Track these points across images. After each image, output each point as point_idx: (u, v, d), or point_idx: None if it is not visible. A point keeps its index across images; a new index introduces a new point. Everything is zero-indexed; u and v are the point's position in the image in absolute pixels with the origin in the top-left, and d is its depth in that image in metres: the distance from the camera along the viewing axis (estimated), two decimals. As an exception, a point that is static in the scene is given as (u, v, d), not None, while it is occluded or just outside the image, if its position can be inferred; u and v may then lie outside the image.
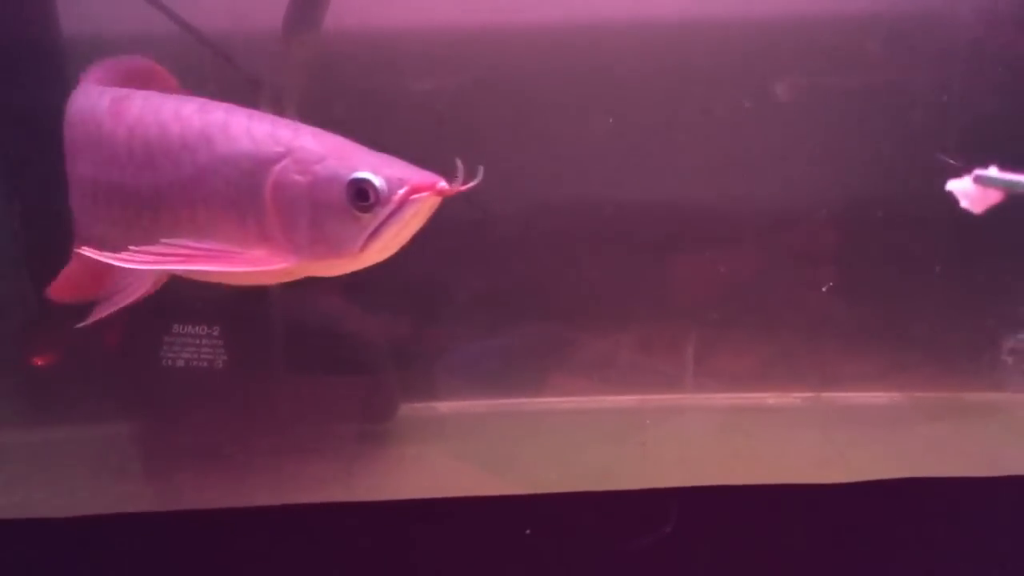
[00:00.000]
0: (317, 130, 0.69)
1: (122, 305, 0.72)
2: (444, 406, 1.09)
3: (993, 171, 0.39)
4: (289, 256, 0.66)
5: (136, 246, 0.67)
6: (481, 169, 0.65)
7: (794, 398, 1.10)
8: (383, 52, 0.98)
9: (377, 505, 0.84)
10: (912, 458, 0.96)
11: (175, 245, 0.66)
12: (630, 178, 1.05)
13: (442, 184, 0.64)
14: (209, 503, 0.86)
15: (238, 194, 0.66)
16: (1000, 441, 1.02)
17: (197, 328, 0.98)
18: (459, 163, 0.65)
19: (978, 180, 0.39)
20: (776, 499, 0.81)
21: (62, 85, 0.79)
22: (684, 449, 1.00)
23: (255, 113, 0.70)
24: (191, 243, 0.67)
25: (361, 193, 0.64)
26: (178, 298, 1.00)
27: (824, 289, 0.98)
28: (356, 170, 0.64)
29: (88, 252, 0.67)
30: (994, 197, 0.39)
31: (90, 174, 0.73)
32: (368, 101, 0.98)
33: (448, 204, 1.08)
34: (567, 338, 1.09)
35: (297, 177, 0.65)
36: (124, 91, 0.74)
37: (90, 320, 0.74)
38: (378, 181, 0.64)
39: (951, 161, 0.99)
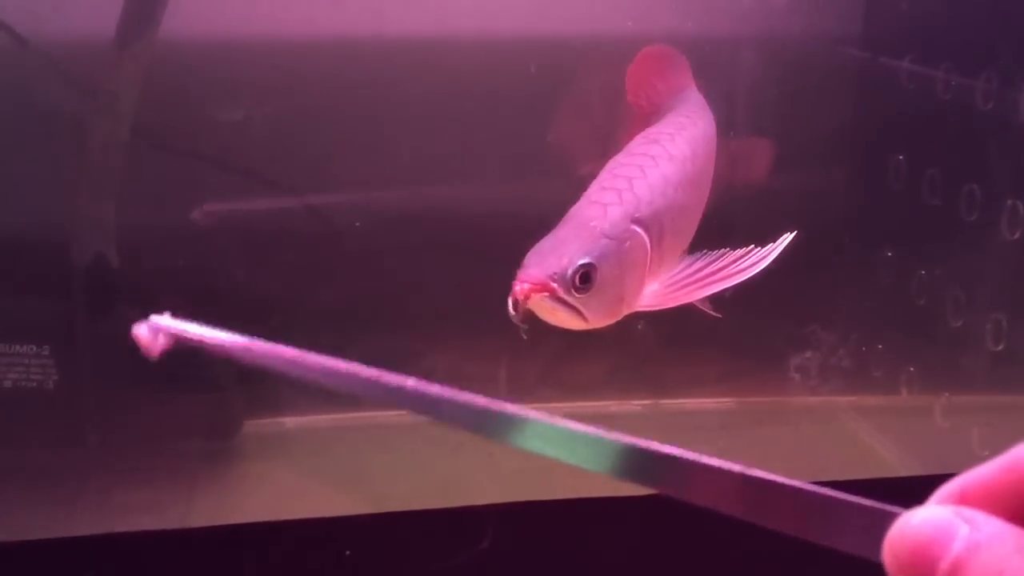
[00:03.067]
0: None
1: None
2: (290, 421, 1.08)
3: (166, 317, 0.42)
4: None
5: None
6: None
7: (634, 405, 1.14)
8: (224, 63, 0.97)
9: (215, 530, 0.83)
10: (739, 461, 1.01)
11: None
12: (477, 191, 1.07)
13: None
14: (36, 532, 0.82)
15: None
16: (815, 445, 1.09)
17: (25, 347, 0.94)
18: None
19: (150, 327, 0.42)
20: (611, 510, 0.85)
21: None
22: (527, 460, 1.02)
23: None
24: None
25: None
26: (3, 314, 0.96)
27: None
28: None
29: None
30: (164, 342, 0.42)
31: None
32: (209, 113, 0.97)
33: (295, 217, 1.08)
34: (414, 350, 1.10)
35: None
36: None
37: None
38: None
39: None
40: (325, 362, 0.38)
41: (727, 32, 1.07)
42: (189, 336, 0.41)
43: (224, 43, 0.99)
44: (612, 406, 1.14)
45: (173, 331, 0.41)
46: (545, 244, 0.69)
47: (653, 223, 0.72)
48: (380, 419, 1.09)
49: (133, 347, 0.97)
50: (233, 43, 0.99)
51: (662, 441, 1.03)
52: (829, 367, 1.11)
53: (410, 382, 0.36)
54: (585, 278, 0.66)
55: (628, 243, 0.70)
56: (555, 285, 0.65)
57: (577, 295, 0.66)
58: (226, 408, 1.05)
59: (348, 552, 0.82)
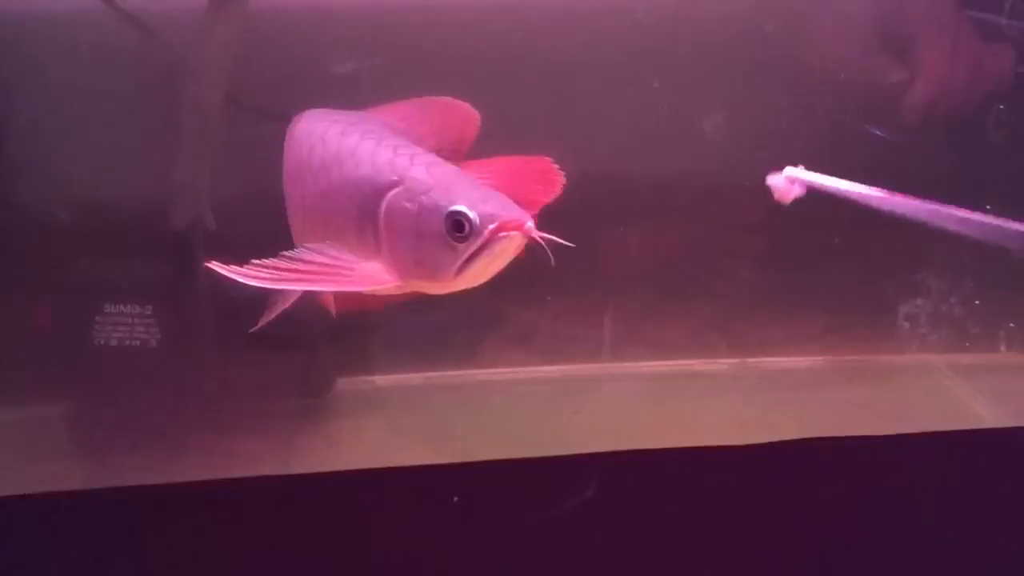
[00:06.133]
0: (434, 159, 0.75)
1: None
2: (381, 379, 1.11)
3: (801, 169, 0.47)
4: (394, 276, 0.73)
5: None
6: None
7: (720, 364, 1.14)
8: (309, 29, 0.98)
9: (312, 477, 0.85)
10: (828, 418, 1.01)
11: (294, 261, 0.72)
12: (558, 151, 1.07)
13: (529, 225, 0.69)
14: (143, 480, 0.86)
15: (359, 213, 0.74)
16: (908, 401, 1.08)
17: (129, 307, 0.98)
18: None
19: (786, 177, 0.47)
20: (697, 461, 0.85)
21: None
22: (614, 416, 1.03)
23: (386, 138, 0.76)
24: (309, 258, 0.73)
25: (457, 225, 0.69)
26: (109, 277, 1.00)
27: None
28: (455, 203, 0.69)
29: (213, 266, 0.71)
30: (799, 192, 0.47)
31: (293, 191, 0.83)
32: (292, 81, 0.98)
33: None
34: (500, 310, 1.11)
35: (406, 204, 0.71)
36: (317, 112, 0.82)
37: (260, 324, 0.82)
38: (472, 215, 0.69)
39: (879, 132, 1.04)
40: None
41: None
42: (822, 186, 0.46)
43: (316, 6, 1.00)
44: (698, 365, 1.14)
45: (808, 182, 0.46)
46: (490, 194, 0.71)
47: None
48: (468, 377, 1.10)
49: (229, 308, 0.99)
50: (328, 6, 1.00)
51: (749, 399, 1.03)
52: (939, 319, 1.08)
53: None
54: None
55: None
56: None
57: None
58: (319, 366, 1.08)
59: (456, 498, 0.84)
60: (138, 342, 0.98)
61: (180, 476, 0.87)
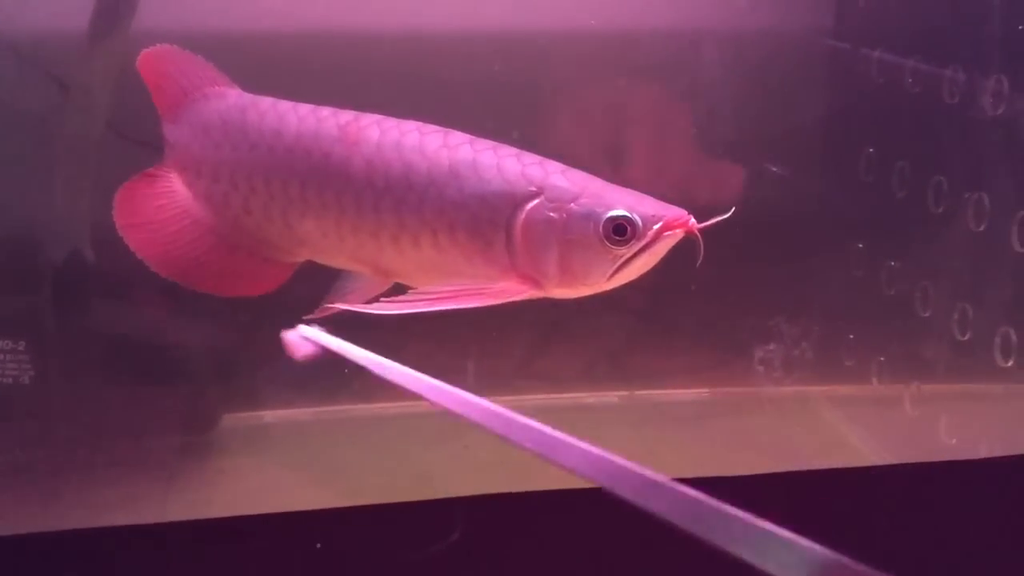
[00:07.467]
0: (561, 165, 0.73)
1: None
2: (269, 415, 1.09)
3: (315, 329, 0.48)
4: (534, 285, 0.72)
5: (355, 259, 0.76)
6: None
7: (611, 397, 1.16)
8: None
9: (190, 525, 0.83)
10: (712, 452, 1.03)
11: (423, 292, 0.70)
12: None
13: (693, 220, 0.69)
14: (11, 528, 0.82)
15: (488, 227, 0.71)
16: (788, 434, 1.11)
17: (1, 342, 0.94)
18: None
19: (300, 335, 0.48)
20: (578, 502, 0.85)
21: None
22: (504, 450, 1.03)
23: (499, 147, 0.74)
24: (437, 289, 0.70)
25: (619, 229, 0.69)
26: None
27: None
28: (612, 208, 0.70)
29: (341, 306, 0.72)
30: (310, 351, 0.49)
31: (304, 194, 0.76)
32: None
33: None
34: (392, 344, 1.10)
35: (551, 214, 0.70)
36: (348, 114, 0.76)
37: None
38: (634, 218, 0.69)
39: (774, 169, 1.07)
40: (463, 396, 0.42)
41: (696, 26, 1.08)
42: (333, 350, 0.44)
43: (198, 35, 0.98)
44: (588, 398, 1.15)
45: (320, 343, 0.45)
46: (637, 195, 0.72)
47: None
48: (358, 412, 1.09)
49: (109, 342, 0.96)
50: (208, 35, 0.99)
51: (637, 432, 1.04)
52: (793, 359, 1.13)
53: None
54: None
55: None
56: None
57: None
58: (204, 402, 1.05)
59: (319, 545, 0.83)
60: (9, 379, 0.94)
61: (48, 524, 0.83)
